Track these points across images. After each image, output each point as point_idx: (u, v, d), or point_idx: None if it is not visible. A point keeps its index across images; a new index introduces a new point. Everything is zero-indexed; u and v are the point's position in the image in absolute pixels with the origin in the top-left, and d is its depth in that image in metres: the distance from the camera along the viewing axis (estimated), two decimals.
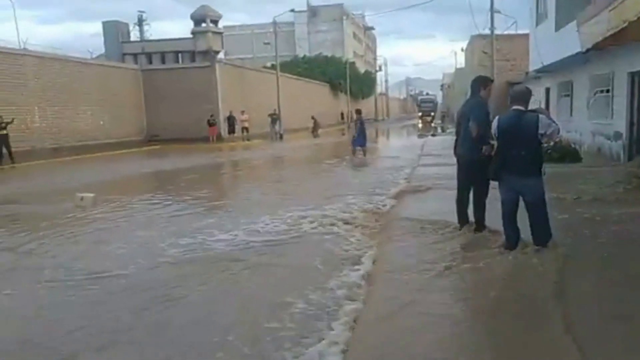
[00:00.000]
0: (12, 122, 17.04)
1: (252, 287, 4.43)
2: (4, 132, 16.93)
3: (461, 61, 45.87)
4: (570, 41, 10.85)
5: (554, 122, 4.45)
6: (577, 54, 10.07)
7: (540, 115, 4.40)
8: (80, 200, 8.80)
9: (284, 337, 3.30)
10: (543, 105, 17.95)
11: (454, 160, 5.65)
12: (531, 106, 4.61)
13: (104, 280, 4.69)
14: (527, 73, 19.24)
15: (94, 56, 30.71)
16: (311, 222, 6.56)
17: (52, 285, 4.65)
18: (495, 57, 22.16)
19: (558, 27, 12.67)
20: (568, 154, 11.10)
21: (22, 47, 20.87)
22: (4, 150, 16.83)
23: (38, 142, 19.59)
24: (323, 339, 3.24)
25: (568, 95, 14.81)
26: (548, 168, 4.88)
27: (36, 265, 5.32)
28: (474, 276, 4.23)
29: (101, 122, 23.31)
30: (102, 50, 32.02)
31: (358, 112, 16.86)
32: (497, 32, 23.01)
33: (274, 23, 32.16)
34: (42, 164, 17.06)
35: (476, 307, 3.66)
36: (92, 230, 6.94)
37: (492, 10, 22.08)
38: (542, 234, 4.58)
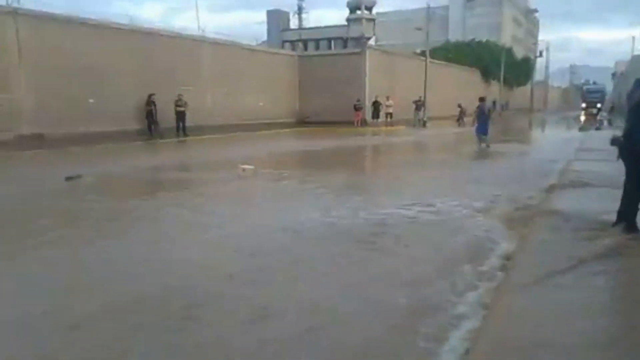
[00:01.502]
0: (185, 103, 19.68)
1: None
2: (182, 109, 19.73)
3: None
4: None
5: None
6: None
7: None
8: (243, 172, 10.06)
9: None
10: None
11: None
12: None
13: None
14: None
15: (258, 43, 33.55)
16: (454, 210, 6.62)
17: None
18: None
19: None
20: None
21: (201, 34, 23.68)
22: (180, 124, 19.65)
23: (209, 120, 22.24)
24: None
25: None
26: None
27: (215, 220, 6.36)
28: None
29: (260, 104, 25.54)
30: (264, 38, 34.81)
31: (481, 99, 16.81)
32: None
33: (427, 8, 31.63)
34: (211, 138, 19.40)
35: None
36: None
37: None
38: None
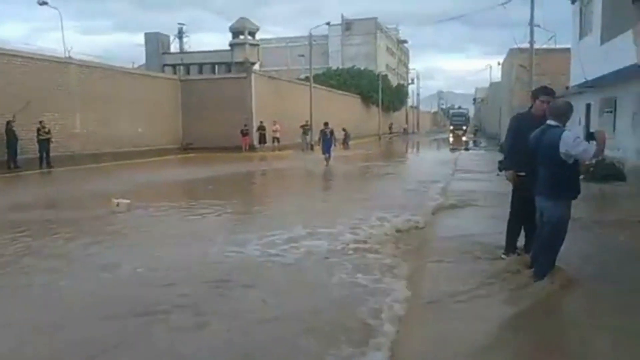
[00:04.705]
0: (48, 131, 17.64)
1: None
2: (46, 137, 17.60)
3: (496, 75, 45.15)
4: (616, 55, 10.51)
5: (588, 142, 3.99)
6: (625, 67, 9.71)
7: (566, 133, 3.93)
8: (116, 206, 9.01)
9: None
10: (582, 123, 17.44)
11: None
12: (571, 125, 4.25)
13: None
14: (567, 88, 18.70)
15: (135, 66, 31.66)
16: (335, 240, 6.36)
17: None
18: (534, 72, 21.64)
19: (604, 41, 12.28)
20: (612, 173, 10.67)
21: (67, 55, 21.60)
22: (44, 154, 17.50)
23: (78, 148, 20.15)
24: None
25: (611, 112, 14.30)
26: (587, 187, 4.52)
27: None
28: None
29: (139, 130, 23.86)
30: (143, 61, 32.99)
31: (325, 124, 19.86)
32: (536, 46, 22.50)
33: (310, 36, 32.43)
34: (81, 169, 17.52)
35: None
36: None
37: (532, 23, 21.63)
38: (539, 266, 4.21)
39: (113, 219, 8.24)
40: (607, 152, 12.60)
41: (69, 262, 5.67)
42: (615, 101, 13.91)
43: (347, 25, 67.32)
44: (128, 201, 9.13)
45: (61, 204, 10.33)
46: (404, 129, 67.54)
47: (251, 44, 28.24)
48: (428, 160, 22.88)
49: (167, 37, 34.62)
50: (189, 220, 8.22)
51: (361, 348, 3.33)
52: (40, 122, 17.63)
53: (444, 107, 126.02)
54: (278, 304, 4.26)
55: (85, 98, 20.83)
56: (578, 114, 17.34)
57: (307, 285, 4.80)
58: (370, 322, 3.76)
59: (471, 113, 72.41)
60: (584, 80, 13.93)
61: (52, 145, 17.79)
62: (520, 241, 5.03)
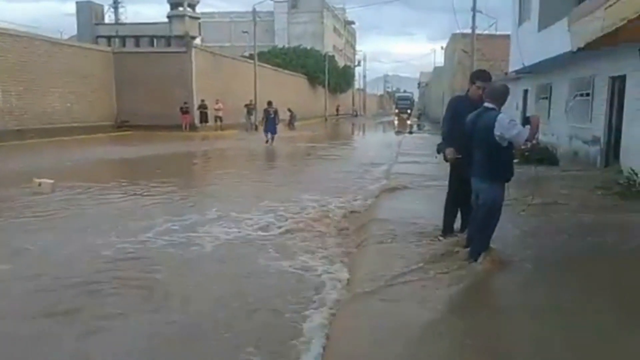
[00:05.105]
0: None
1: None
2: None
3: (440, 60, 46.07)
4: (552, 42, 10.76)
5: (522, 126, 4.05)
6: (560, 55, 9.94)
7: (500, 116, 3.96)
8: (38, 186, 8.34)
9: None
10: (520, 108, 18.03)
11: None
12: (508, 109, 4.29)
13: None
14: (506, 74, 19.24)
15: (65, 37, 29.49)
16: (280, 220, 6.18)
17: None
18: (475, 57, 22.11)
19: (541, 28, 12.57)
20: (546, 157, 11.01)
21: None
22: None
23: (1, 124, 18.55)
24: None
25: (546, 98, 14.80)
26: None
27: None
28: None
29: (68, 105, 22.30)
30: (75, 32, 30.80)
31: (268, 103, 19.78)
32: (478, 31, 22.98)
33: (254, 11, 31.44)
34: (3, 145, 16.14)
35: None
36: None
37: (475, 9, 22.01)
38: (474, 246, 4.27)
39: (30, 201, 7.57)
40: (542, 137, 13.06)
41: None
42: (551, 88, 14.37)
43: (294, 3, 66.19)
44: (52, 181, 8.49)
45: None
46: (355, 112, 68.09)
47: (191, 17, 26.91)
48: (373, 143, 22.98)
49: (101, 6, 32.33)
50: (114, 202, 7.68)
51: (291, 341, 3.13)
52: None
53: (390, 90, 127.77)
54: (196, 297, 3.98)
55: (6, 69, 19.14)
56: (516, 99, 17.89)
57: (231, 274, 4.54)
58: (302, 309, 3.59)
59: (416, 97, 73.81)
60: (522, 66, 14.28)
61: None
62: (457, 223, 5.06)
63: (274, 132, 18.74)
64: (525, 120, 4.34)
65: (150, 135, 21.45)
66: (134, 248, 5.19)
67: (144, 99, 24.93)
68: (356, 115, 64.87)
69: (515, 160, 4.76)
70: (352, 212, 6.91)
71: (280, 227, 6.02)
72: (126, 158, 14.46)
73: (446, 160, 4.90)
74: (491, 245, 4.30)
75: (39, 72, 20.67)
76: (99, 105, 24.54)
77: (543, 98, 15.27)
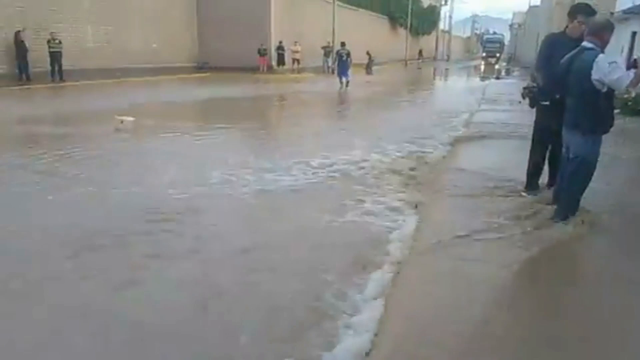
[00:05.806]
0: (59, 42, 17.10)
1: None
2: (57, 49, 17.06)
3: None
4: None
5: (626, 69, 3.44)
6: None
7: (600, 56, 3.39)
8: (120, 124, 8.67)
9: None
10: (626, 52, 16.02)
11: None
12: (613, 52, 3.64)
13: None
14: (612, 13, 17.04)
15: None
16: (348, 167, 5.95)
17: None
18: None
19: None
20: None
21: None
22: (56, 66, 17.07)
23: (91, 62, 19.55)
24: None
25: None
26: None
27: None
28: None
29: (154, 45, 23.02)
30: None
31: (342, 44, 19.11)
32: None
33: None
34: (93, 84, 17.06)
35: None
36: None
37: None
38: (562, 206, 3.79)
39: (114, 137, 7.92)
40: None
41: (48, 178, 5.38)
42: None
43: None
44: (133, 119, 8.78)
45: (64, 120, 10.01)
46: (447, 56, 64.59)
47: None
48: (455, 89, 21.73)
49: None
50: (193, 143, 7.82)
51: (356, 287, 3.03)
52: (52, 33, 17.03)
53: (478, 32, 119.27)
54: (265, 229, 3.99)
55: (96, 9, 19.88)
56: (622, 42, 15.89)
57: (302, 215, 4.43)
58: (371, 258, 3.43)
59: (507, 40, 68.26)
60: (632, 5, 12.52)
61: (63, 59, 17.29)
62: (544, 177, 4.57)
63: (346, 75, 18.01)
64: (632, 64, 3.69)
65: (229, 76, 21.70)
66: (222, 181, 5.29)
67: (223, 40, 25.11)
68: (447, 60, 61.37)
69: (616, 111, 4.18)
70: (429, 160, 6.52)
71: (354, 172, 5.80)
72: (208, 98, 14.75)
73: (532, 106, 4.36)
74: (581, 205, 3.82)
75: (127, 13, 21.34)
76: (182, 46, 25.11)
77: None
